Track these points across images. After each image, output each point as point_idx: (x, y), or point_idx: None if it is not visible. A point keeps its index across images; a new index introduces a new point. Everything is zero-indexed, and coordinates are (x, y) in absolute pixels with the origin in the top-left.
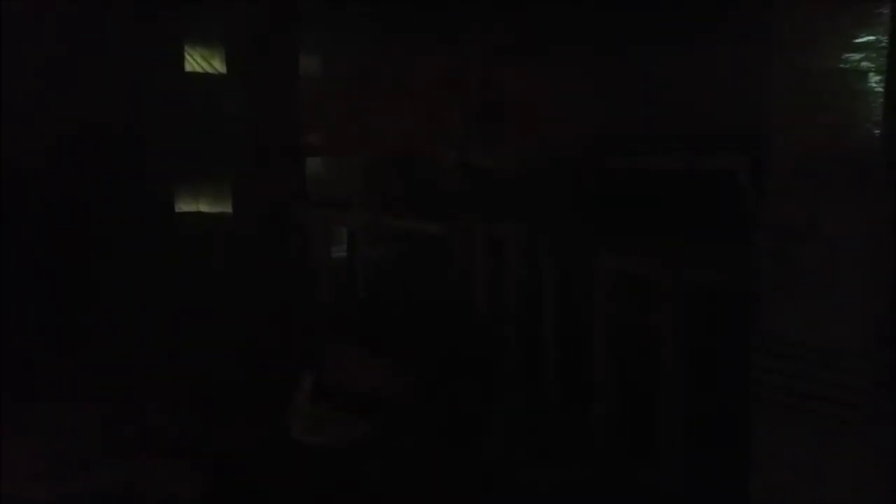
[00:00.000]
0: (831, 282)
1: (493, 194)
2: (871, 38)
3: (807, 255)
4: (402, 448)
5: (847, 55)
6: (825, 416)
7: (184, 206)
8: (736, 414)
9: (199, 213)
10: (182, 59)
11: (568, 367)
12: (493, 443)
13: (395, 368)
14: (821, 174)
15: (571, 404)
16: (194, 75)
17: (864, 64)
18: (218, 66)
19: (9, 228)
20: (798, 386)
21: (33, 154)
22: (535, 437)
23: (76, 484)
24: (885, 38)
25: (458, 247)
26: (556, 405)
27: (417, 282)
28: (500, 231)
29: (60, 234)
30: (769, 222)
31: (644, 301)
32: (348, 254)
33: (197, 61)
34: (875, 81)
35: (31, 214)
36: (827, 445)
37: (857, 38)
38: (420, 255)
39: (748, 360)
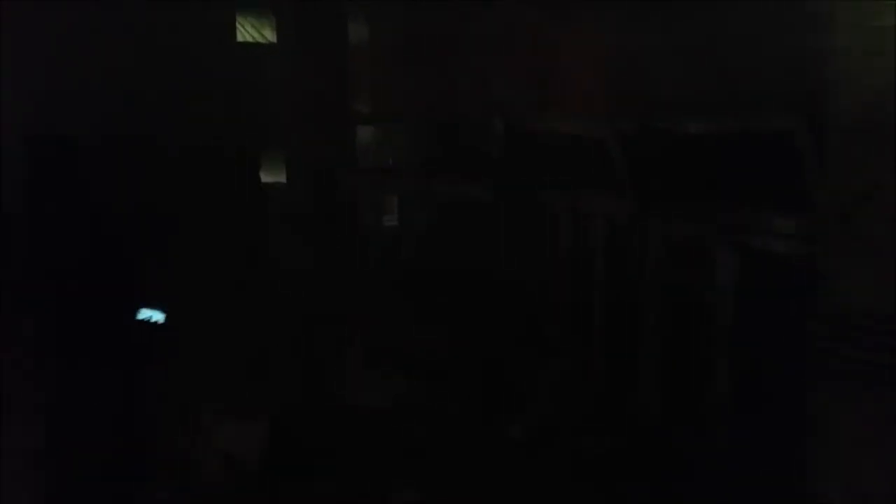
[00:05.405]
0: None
1: (541, 159)
2: None
3: (870, 218)
4: (448, 411)
5: None
6: (886, 383)
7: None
8: (789, 383)
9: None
10: (234, 28)
11: (615, 335)
12: (537, 408)
13: (443, 333)
14: (883, 133)
15: (617, 371)
16: (245, 45)
17: None
18: (268, 35)
19: (61, 193)
20: (858, 354)
21: (86, 120)
22: (579, 404)
23: (138, 441)
24: None
25: (506, 212)
26: (601, 372)
27: (465, 247)
28: (548, 196)
29: (114, 200)
30: (829, 185)
31: (697, 269)
32: (399, 220)
33: (248, 31)
34: None
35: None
36: (887, 412)
37: None
38: (468, 220)
39: (808, 330)
